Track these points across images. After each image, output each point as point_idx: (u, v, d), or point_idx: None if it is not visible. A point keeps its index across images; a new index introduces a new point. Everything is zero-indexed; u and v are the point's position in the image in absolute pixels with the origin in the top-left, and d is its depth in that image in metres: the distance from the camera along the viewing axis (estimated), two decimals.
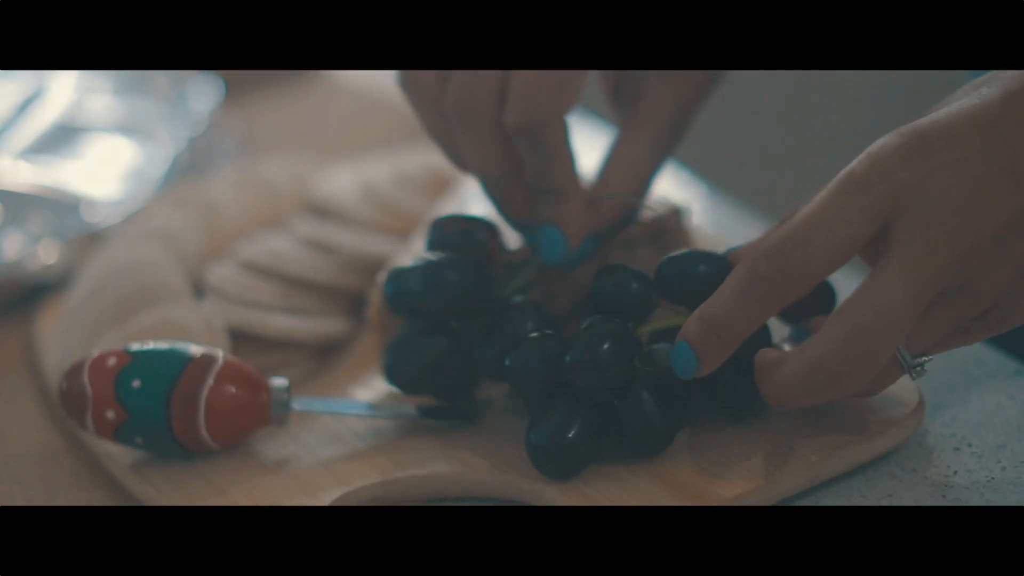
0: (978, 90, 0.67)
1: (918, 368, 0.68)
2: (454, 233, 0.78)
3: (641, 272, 0.73)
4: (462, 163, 0.79)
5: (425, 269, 0.76)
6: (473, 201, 0.90)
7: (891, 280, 0.65)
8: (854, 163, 0.66)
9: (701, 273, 0.72)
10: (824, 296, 0.73)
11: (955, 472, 0.71)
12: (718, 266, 0.72)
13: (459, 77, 0.76)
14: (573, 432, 0.70)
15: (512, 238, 0.82)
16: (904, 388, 0.73)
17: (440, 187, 0.97)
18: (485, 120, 0.75)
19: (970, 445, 0.73)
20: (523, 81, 0.74)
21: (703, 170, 1.19)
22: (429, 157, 0.98)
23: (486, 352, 0.75)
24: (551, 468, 0.71)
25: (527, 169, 0.77)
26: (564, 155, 0.76)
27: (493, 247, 0.78)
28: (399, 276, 0.77)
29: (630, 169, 0.81)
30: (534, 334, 0.72)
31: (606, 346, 0.69)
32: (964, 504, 0.69)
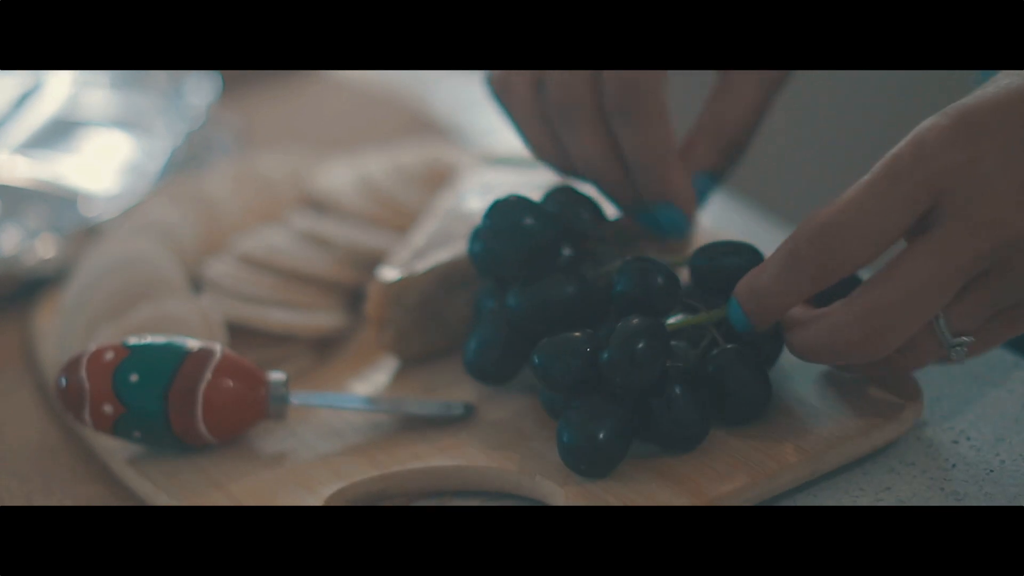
0: None
1: (958, 348, 0.68)
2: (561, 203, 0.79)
3: (665, 265, 0.73)
4: (567, 164, 0.80)
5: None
6: (471, 194, 0.90)
7: (926, 260, 0.65)
8: (900, 146, 0.66)
9: (734, 264, 0.73)
10: (850, 283, 0.73)
11: (953, 465, 0.71)
12: (748, 258, 0.73)
13: (555, 76, 0.77)
14: (606, 431, 0.70)
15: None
16: (902, 381, 0.73)
17: (438, 181, 0.97)
18: (587, 109, 0.77)
19: (969, 438, 0.73)
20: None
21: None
22: (427, 151, 0.98)
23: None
24: (585, 468, 0.71)
25: (629, 150, 0.77)
26: (665, 124, 0.77)
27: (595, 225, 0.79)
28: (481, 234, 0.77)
29: (724, 127, 0.81)
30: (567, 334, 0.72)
31: (642, 344, 0.69)
32: (963, 496, 0.69)
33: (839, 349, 0.67)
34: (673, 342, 0.73)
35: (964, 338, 0.68)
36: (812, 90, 2.22)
